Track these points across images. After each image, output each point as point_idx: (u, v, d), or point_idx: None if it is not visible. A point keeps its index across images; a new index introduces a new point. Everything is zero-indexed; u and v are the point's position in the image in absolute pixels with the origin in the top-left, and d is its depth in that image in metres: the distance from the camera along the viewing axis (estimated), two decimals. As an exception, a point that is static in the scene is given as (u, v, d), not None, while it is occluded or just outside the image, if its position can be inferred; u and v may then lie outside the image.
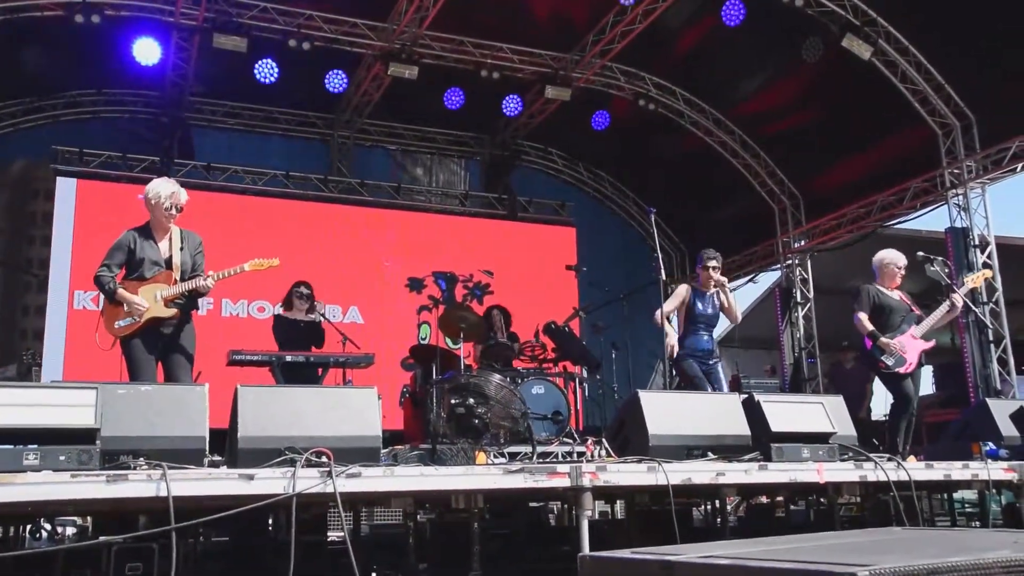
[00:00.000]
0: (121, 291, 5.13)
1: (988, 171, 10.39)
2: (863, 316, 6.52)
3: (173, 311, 5.20)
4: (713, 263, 6.93)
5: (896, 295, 6.65)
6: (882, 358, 6.39)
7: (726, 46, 10.81)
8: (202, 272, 5.32)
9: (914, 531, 3.48)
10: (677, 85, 12.41)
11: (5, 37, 9.83)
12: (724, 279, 6.91)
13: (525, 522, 6.57)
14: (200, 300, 5.57)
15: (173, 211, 5.29)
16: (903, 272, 6.68)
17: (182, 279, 5.26)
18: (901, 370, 6.39)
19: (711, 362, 6.87)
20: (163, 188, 5.29)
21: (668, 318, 6.87)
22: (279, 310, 7.96)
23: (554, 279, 11.87)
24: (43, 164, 11.21)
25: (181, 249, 5.33)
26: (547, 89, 11.35)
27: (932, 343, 6.65)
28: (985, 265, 9.97)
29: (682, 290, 7.02)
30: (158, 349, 5.18)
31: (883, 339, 6.35)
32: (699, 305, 6.87)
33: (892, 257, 6.70)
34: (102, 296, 5.27)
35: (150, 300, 5.14)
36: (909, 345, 6.43)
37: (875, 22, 10.10)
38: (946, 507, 7.38)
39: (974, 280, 7.26)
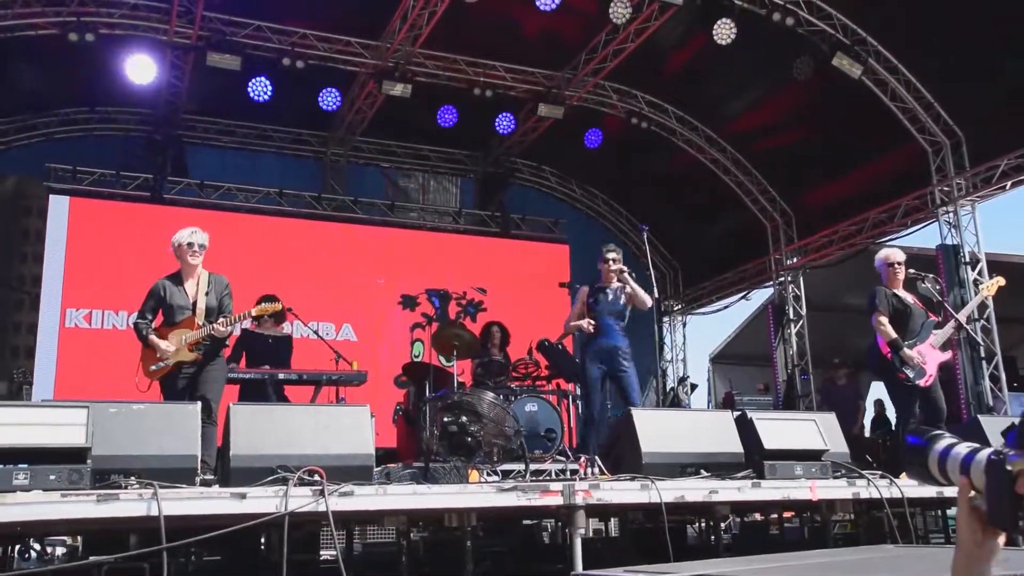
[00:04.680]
0: (152, 337, 5.49)
1: (978, 188, 10.44)
2: (885, 320, 6.08)
3: (195, 355, 5.49)
4: (612, 255, 6.71)
5: (910, 298, 6.32)
6: (903, 369, 5.99)
7: (718, 64, 10.87)
8: (230, 313, 5.63)
9: (907, 548, 3.48)
10: (669, 103, 12.48)
11: (-1, 55, 9.84)
12: (623, 268, 6.67)
13: (518, 540, 6.55)
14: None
15: (196, 249, 5.62)
16: (904, 267, 6.38)
17: (209, 319, 5.54)
18: (921, 383, 5.99)
19: (620, 361, 6.61)
20: (183, 232, 5.68)
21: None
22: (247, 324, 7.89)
23: (547, 296, 11.87)
24: (36, 182, 11.21)
25: (207, 293, 5.64)
26: (540, 107, 11.39)
27: (949, 354, 6.40)
28: (976, 282, 10.01)
29: (582, 293, 6.86)
30: (184, 388, 5.48)
31: (906, 350, 5.97)
32: (602, 299, 6.67)
33: (887, 255, 6.44)
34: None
35: (177, 344, 5.47)
36: (929, 356, 6.07)
37: (865, 41, 10.19)
38: (940, 524, 7.37)
39: (987, 288, 6.93)
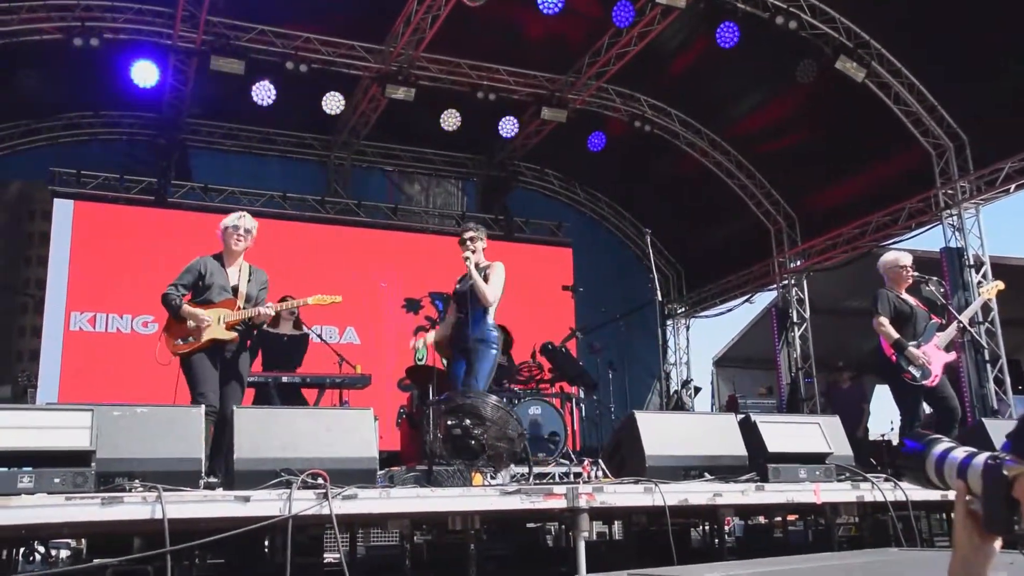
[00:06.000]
0: (187, 307, 5.41)
1: (982, 191, 10.43)
2: (886, 321, 6.06)
3: (233, 335, 5.44)
4: (467, 234, 6.11)
5: (914, 301, 6.29)
6: (909, 369, 5.97)
7: (721, 68, 10.88)
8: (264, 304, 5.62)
9: (912, 552, 3.47)
10: (672, 106, 12.49)
11: (4, 60, 9.86)
12: (469, 253, 5.99)
13: (522, 543, 6.54)
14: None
15: (241, 233, 5.59)
16: (912, 271, 6.33)
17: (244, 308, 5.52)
18: (927, 383, 5.98)
19: (474, 350, 5.94)
20: (230, 216, 5.70)
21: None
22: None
23: (551, 299, 11.88)
24: (40, 185, 11.23)
25: (248, 281, 5.64)
26: (543, 110, 11.41)
27: (954, 355, 6.37)
28: (980, 284, 9.99)
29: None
30: (218, 368, 5.41)
31: (911, 349, 5.95)
32: (457, 287, 6.22)
33: (896, 258, 6.40)
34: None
35: (212, 322, 5.39)
36: (934, 356, 6.05)
37: (868, 44, 10.19)
38: (945, 527, 7.34)
39: (988, 291, 6.94)
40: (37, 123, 11.63)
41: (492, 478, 5.00)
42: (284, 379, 7.23)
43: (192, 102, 11.32)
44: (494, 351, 6.02)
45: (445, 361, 8.50)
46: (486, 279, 6.00)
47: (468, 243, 6.07)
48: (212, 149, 12.49)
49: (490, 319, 6.06)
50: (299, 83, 10.41)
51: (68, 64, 10.18)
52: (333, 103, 11.02)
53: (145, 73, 10.02)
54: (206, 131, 12.40)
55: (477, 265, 6.05)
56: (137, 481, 3.63)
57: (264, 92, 10.45)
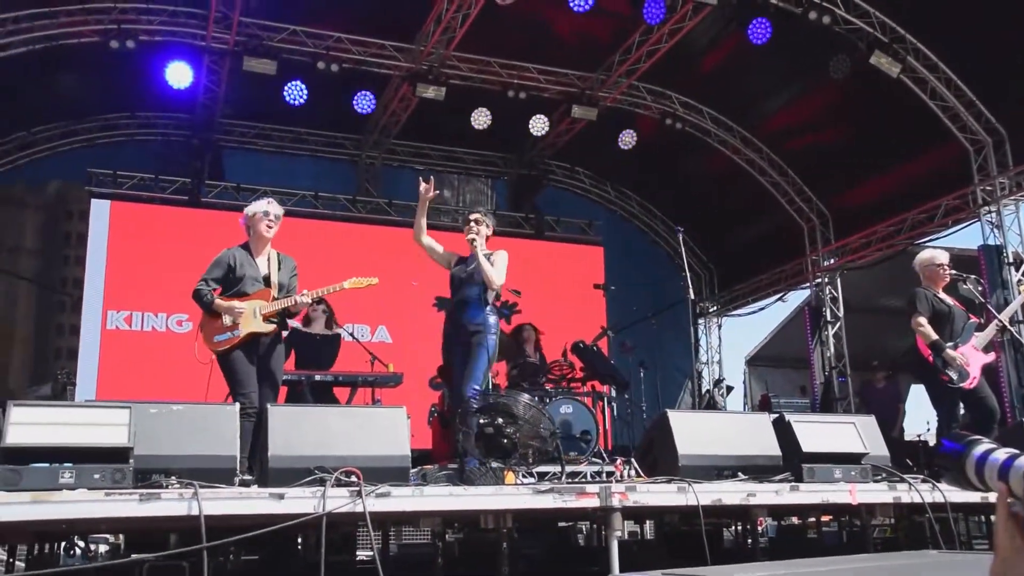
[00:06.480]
0: (219, 300, 5.27)
1: (1022, 188, 10.25)
2: (924, 321, 5.93)
3: (271, 327, 5.32)
4: (474, 216, 5.91)
5: (951, 300, 6.18)
6: (947, 371, 5.86)
7: (752, 64, 10.79)
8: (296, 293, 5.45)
9: (950, 554, 3.42)
10: (704, 104, 12.40)
11: (43, 63, 10.04)
12: (474, 235, 5.77)
13: (553, 542, 6.55)
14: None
15: (271, 219, 5.46)
16: (950, 269, 6.22)
17: (278, 298, 5.39)
18: (965, 385, 5.87)
19: (472, 338, 5.64)
20: (258, 203, 5.55)
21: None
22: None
23: (582, 298, 11.84)
24: (78, 186, 11.43)
25: (279, 270, 5.50)
26: (573, 109, 11.39)
27: (993, 356, 6.22)
28: (1019, 282, 9.82)
29: (451, 258, 6.07)
30: (255, 364, 5.29)
31: (949, 351, 5.84)
32: (458, 269, 5.93)
33: (933, 256, 6.28)
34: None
35: (248, 315, 5.26)
36: (972, 357, 5.95)
37: (903, 39, 10.04)
38: (984, 530, 7.23)
39: None
40: (75, 124, 11.82)
41: (525, 476, 5.01)
42: (317, 377, 7.29)
43: (225, 103, 11.44)
44: (493, 338, 5.70)
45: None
46: (491, 264, 5.80)
47: (474, 225, 5.85)
48: (245, 149, 12.62)
49: (489, 306, 5.80)
50: (330, 83, 10.49)
51: (104, 66, 10.35)
52: (364, 103, 11.08)
53: (179, 74, 10.14)
54: (239, 131, 12.53)
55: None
56: (174, 478, 3.68)
57: (296, 92, 10.53)
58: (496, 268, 5.79)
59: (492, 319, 5.78)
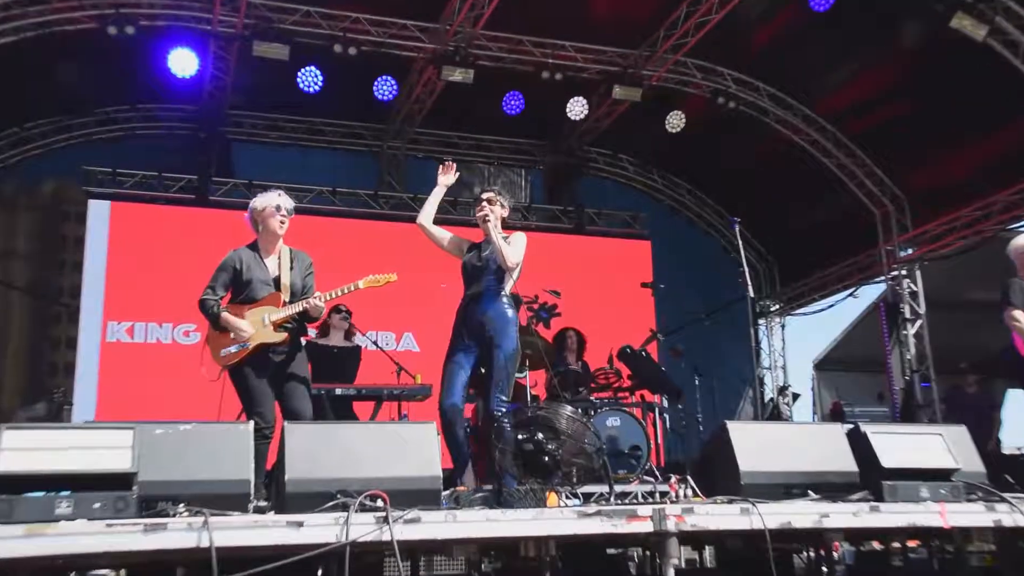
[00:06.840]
0: (225, 315, 5.19)
1: None
2: (1020, 315, 5.84)
3: (283, 335, 5.25)
4: (487, 194, 5.76)
5: None
6: None
7: (811, 35, 10.63)
8: (313, 294, 5.37)
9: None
10: (759, 80, 12.26)
11: (36, 53, 10.15)
12: (486, 213, 5.62)
13: (602, 572, 6.47)
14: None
15: (284, 214, 5.39)
16: None
17: (291, 301, 5.32)
18: None
19: (488, 335, 5.49)
20: (268, 195, 5.44)
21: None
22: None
23: (628, 298, 11.74)
24: (74, 185, 11.54)
25: (291, 269, 5.42)
26: (615, 89, 11.31)
27: None
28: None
29: (462, 244, 6.08)
30: (269, 377, 5.22)
31: None
32: (471, 256, 5.86)
33: None
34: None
35: (257, 324, 5.20)
36: None
37: (990, -3, 9.80)
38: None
39: None
40: (70, 119, 11.98)
41: (569, 498, 4.95)
42: (338, 391, 7.28)
43: (234, 92, 11.52)
44: (512, 337, 5.49)
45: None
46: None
47: (486, 204, 5.65)
48: (255, 142, 12.71)
49: (506, 295, 5.63)
50: (348, 68, 10.51)
51: (102, 55, 10.44)
52: (385, 88, 11.09)
53: (184, 62, 10.22)
54: (249, 123, 12.62)
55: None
56: (182, 505, 3.66)
57: (310, 79, 10.57)
58: (513, 247, 5.58)
59: (511, 312, 5.59)
